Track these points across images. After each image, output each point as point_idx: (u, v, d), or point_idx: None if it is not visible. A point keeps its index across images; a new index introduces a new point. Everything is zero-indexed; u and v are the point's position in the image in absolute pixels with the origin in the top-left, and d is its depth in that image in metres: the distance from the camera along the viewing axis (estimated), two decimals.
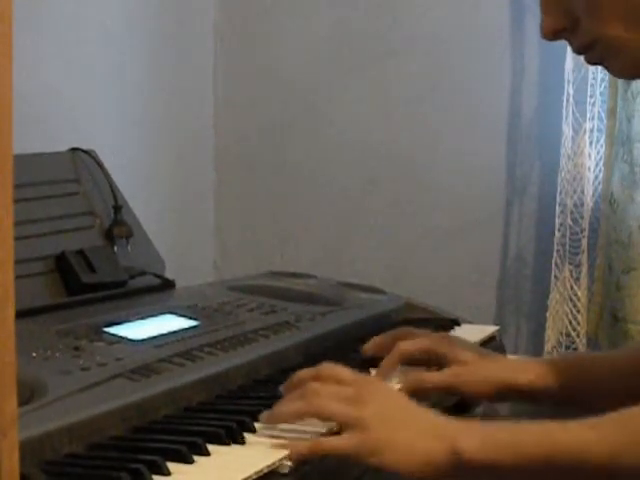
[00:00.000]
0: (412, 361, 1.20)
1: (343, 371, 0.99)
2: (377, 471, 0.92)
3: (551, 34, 0.99)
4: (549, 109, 1.89)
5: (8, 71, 0.57)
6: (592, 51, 0.99)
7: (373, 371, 1.17)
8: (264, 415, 0.96)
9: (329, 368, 1.00)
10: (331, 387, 0.96)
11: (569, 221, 1.79)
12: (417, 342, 1.20)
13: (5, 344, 0.57)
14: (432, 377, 1.15)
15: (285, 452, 0.86)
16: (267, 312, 1.36)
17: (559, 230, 1.80)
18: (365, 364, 1.19)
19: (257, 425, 0.93)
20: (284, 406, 0.96)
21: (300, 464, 0.88)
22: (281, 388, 1.02)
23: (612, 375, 1.15)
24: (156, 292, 1.48)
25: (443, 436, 0.90)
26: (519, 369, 1.17)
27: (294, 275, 1.62)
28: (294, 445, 0.90)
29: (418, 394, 1.08)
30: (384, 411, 0.93)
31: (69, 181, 1.49)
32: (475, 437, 0.90)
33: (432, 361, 1.19)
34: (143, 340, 1.13)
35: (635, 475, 0.87)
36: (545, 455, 0.88)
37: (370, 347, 1.24)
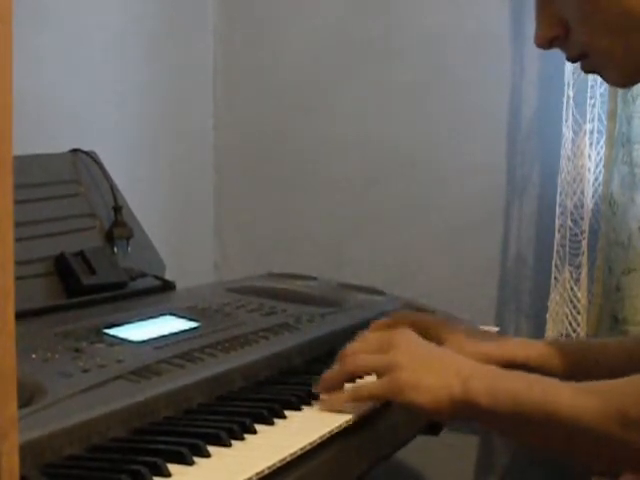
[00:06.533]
0: None
1: (371, 331, 1.11)
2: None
3: (545, 43, 1.01)
4: (549, 110, 1.89)
5: (8, 71, 0.57)
6: (586, 60, 1.00)
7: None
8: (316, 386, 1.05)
9: (362, 333, 1.10)
10: (362, 343, 1.06)
11: (569, 222, 1.79)
12: (415, 316, 1.23)
13: (5, 346, 0.57)
14: None
15: (285, 453, 0.86)
16: (267, 313, 1.36)
17: (559, 231, 1.80)
18: None
19: (258, 426, 0.93)
20: (328, 373, 1.04)
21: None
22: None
23: (612, 358, 1.15)
24: (156, 293, 1.48)
25: (460, 373, 0.96)
26: (518, 346, 1.19)
27: (294, 276, 1.62)
28: (333, 401, 1.00)
29: None
30: (410, 354, 1.01)
31: (69, 182, 1.49)
32: (484, 381, 0.95)
33: (430, 339, 1.19)
34: (143, 342, 1.13)
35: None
36: (543, 417, 0.91)
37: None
